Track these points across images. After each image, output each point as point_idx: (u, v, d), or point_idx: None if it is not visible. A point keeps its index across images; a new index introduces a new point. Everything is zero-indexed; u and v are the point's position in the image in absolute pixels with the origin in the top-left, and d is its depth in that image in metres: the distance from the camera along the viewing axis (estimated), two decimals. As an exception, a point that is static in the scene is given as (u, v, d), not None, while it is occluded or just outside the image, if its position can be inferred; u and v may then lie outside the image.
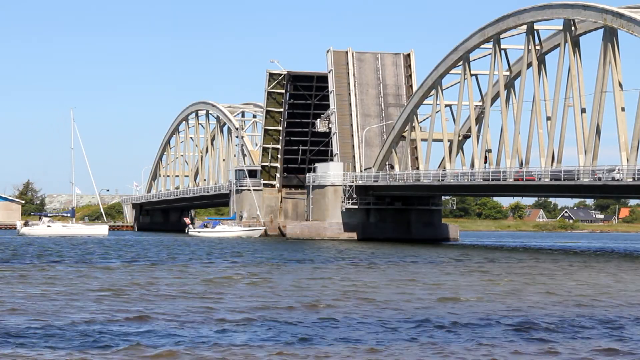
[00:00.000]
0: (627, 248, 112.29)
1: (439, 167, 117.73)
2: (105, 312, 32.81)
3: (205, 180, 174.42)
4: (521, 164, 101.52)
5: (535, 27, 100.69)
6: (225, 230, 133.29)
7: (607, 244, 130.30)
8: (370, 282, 46.85)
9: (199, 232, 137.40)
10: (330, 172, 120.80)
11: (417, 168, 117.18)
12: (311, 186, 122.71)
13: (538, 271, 58.32)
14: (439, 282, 47.46)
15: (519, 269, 60.64)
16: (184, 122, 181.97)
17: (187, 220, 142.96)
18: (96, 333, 27.76)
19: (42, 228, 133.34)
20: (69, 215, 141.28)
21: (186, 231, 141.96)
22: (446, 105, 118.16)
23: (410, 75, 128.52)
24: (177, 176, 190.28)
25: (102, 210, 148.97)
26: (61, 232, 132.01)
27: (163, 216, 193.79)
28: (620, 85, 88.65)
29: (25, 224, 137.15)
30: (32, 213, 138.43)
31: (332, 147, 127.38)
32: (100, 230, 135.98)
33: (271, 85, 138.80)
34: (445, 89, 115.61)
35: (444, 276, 52.48)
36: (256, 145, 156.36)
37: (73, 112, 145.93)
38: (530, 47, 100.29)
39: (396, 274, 53.11)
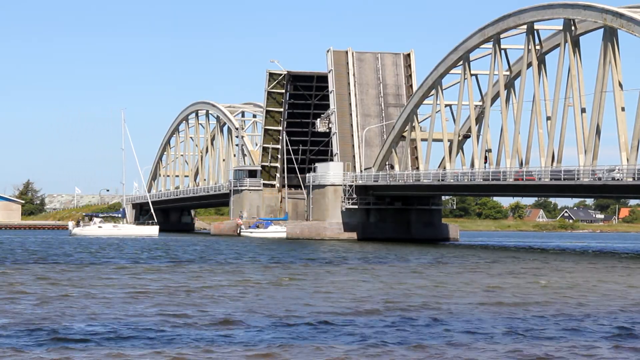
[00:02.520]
0: None
1: (439, 167, 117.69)
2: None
3: (205, 180, 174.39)
4: (521, 164, 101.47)
5: (535, 27, 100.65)
6: (278, 230, 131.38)
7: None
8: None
9: (251, 232, 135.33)
10: (330, 172, 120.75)
11: (417, 168, 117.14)
12: (311, 186, 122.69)
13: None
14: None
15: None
16: (184, 122, 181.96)
17: (239, 221, 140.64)
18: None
19: (94, 229, 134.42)
20: (119, 215, 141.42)
21: (238, 232, 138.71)
22: (446, 105, 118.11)
23: (410, 75, 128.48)
24: (177, 176, 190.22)
25: (152, 210, 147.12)
26: (112, 232, 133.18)
27: (163, 216, 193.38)
28: (620, 85, 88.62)
29: (77, 225, 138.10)
30: (84, 214, 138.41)
31: (332, 147, 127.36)
32: (151, 230, 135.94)
33: (271, 85, 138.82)
34: (445, 89, 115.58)
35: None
36: (256, 145, 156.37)
37: (124, 114, 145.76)
38: (530, 47, 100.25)
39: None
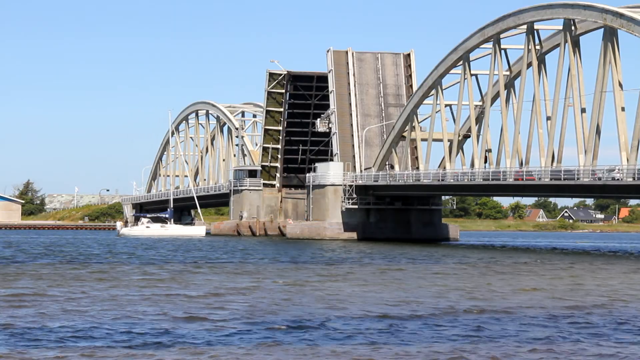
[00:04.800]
0: None
1: (439, 167, 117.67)
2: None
3: (205, 180, 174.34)
4: (521, 164, 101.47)
5: (535, 27, 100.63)
6: None
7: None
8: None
9: None
10: (330, 172, 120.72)
11: (417, 168, 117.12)
12: (311, 186, 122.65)
13: None
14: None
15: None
16: (184, 122, 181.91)
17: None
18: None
19: (142, 229, 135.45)
20: (166, 216, 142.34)
21: None
22: (446, 105, 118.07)
23: (410, 75, 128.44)
24: (177, 176, 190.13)
25: (199, 210, 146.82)
26: (160, 232, 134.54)
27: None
28: (620, 85, 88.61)
29: (125, 225, 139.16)
30: (132, 214, 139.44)
31: (332, 147, 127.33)
32: (198, 231, 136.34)
33: (271, 85, 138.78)
34: (445, 89, 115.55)
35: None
36: (256, 145, 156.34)
37: (171, 114, 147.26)
38: (530, 47, 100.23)
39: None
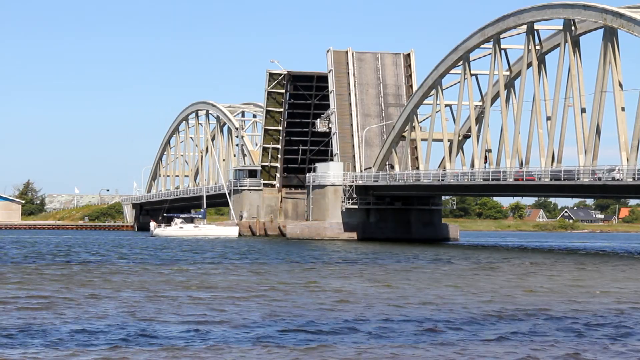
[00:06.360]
0: None
1: (439, 167, 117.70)
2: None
3: (205, 180, 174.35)
4: (521, 164, 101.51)
5: (535, 27, 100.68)
6: None
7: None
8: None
9: None
10: (330, 172, 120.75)
11: (417, 168, 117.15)
12: (311, 186, 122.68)
13: None
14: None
15: None
16: (184, 122, 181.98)
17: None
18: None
19: (175, 229, 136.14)
20: (200, 216, 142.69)
21: None
22: (446, 105, 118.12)
23: (410, 75, 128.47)
24: (177, 176, 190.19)
25: (232, 212, 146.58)
26: (193, 233, 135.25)
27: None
28: (620, 85, 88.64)
29: (158, 225, 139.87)
30: (164, 214, 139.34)
31: (332, 147, 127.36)
32: (231, 231, 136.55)
33: (271, 85, 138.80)
34: (445, 89, 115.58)
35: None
36: (256, 145, 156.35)
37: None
38: (530, 47, 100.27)
39: None
